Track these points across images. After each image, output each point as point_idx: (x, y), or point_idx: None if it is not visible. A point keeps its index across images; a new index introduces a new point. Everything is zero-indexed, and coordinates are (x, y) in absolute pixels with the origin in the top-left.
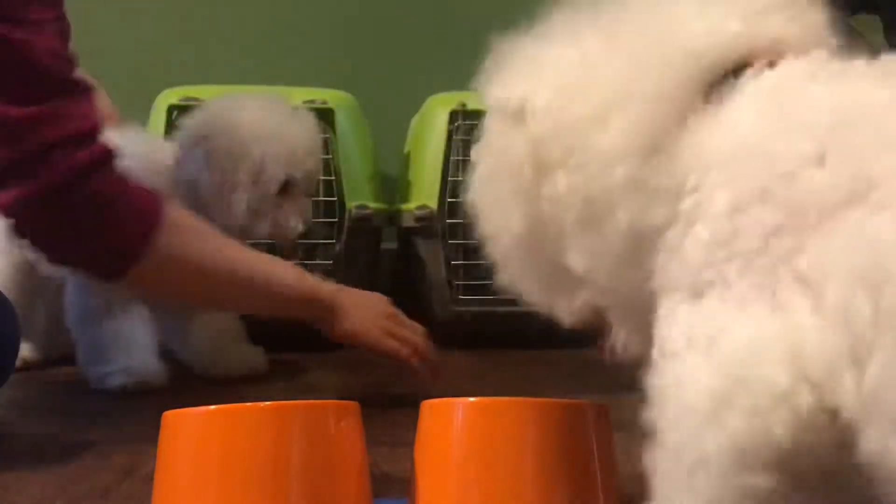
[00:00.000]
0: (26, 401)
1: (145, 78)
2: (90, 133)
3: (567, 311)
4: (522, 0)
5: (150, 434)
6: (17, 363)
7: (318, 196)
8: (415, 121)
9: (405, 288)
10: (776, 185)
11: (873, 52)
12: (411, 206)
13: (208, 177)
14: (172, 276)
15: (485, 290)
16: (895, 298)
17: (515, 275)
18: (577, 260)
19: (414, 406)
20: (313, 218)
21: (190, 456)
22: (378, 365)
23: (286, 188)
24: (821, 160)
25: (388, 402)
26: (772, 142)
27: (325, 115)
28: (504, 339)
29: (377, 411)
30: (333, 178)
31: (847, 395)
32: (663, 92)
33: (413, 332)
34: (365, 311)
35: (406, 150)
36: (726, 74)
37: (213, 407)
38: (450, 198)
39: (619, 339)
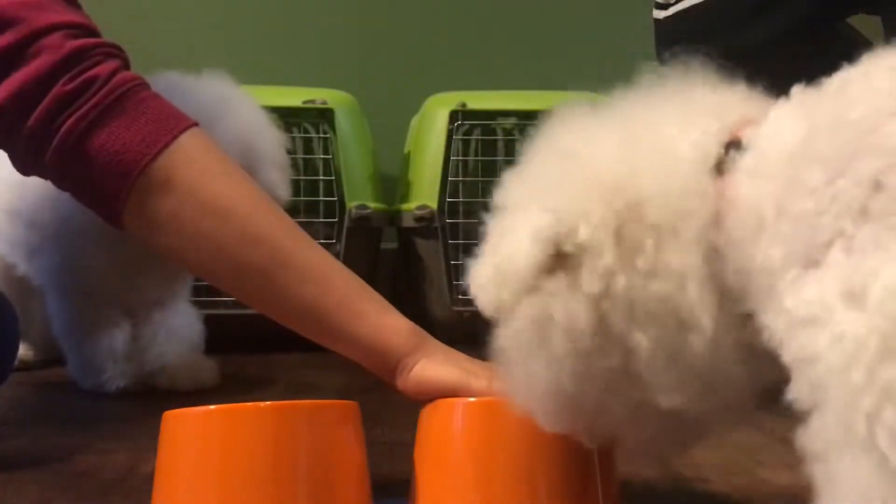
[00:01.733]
0: (25, 401)
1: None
2: (84, 26)
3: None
4: (519, 2)
5: (150, 434)
6: (16, 363)
7: (319, 196)
8: (415, 121)
9: (405, 288)
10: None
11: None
12: (411, 206)
13: None
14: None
15: None
16: None
17: (567, 421)
18: (667, 398)
19: (414, 406)
20: (313, 218)
21: (190, 456)
22: None
23: None
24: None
25: (388, 402)
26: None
27: (325, 115)
28: None
29: (377, 411)
30: (333, 178)
31: None
32: (691, 202)
33: None
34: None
35: (406, 150)
36: (726, 152)
37: (213, 407)
38: (450, 198)
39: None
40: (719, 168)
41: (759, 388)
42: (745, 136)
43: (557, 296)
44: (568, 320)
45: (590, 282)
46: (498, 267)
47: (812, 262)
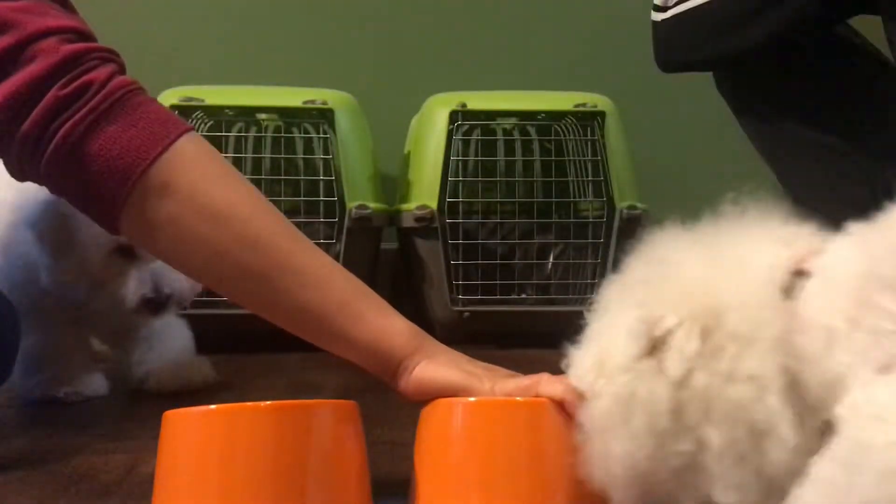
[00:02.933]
0: (25, 401)
1: (146, 79)
2: (80, 31)
3: None
4: (519, 2)
5: (150, 434)
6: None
7: (319, 196)
8: (415, 121)
9: (405, 288)
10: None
11: (874, 52)
12: (411, 206)
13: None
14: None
15: (484, 289)
16: None
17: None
18: (725, 495)
19: (414, 406)
20: (313, 218)
21: (190, 456)
22: None
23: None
24: None
25: (388, 402)
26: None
27: (325, 116)
28: (504, 339)
29: (377, 411)
30: (333, 178)
31: None
32: (767, 314)
33: None
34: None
35: (406, 150)
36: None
37: (213, 407)
38: (450, 198)
39: None
40: (787, 292)
41: None
42: (811, 264)
43: (644, 376)
44: (649, 399)
45: (673, 366)
46: (597, 357)
47: (885, 368)
